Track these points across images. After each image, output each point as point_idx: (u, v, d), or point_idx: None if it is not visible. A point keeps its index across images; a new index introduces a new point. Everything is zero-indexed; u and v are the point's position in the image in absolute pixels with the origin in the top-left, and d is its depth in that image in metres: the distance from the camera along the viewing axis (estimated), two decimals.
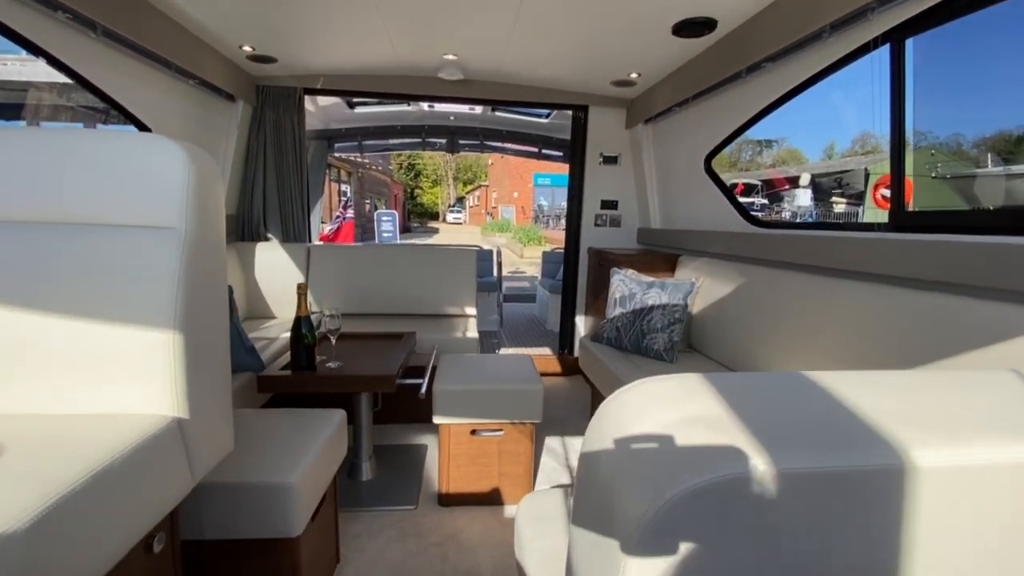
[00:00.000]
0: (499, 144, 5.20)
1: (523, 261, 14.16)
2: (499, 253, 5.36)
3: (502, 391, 1.93)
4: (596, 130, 3.47)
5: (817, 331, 1.72)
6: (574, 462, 2.39)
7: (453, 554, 1.72)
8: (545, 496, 1.15)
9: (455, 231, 34.77)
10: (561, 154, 5.20)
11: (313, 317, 1.91)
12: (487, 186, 39.40)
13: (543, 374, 3.78)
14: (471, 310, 3.27)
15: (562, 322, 3.79)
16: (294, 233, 3.26)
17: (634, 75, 2.91)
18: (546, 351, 4.09)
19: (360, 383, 1.85)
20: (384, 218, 16.12)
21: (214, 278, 1.05)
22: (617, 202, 3.57)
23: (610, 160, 3.50)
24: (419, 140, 5.16)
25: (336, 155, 5.44)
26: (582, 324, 3.70)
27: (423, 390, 1.91)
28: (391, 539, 1.79)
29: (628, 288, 2.59)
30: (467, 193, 50.98)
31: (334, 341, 1.99)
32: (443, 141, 5.18)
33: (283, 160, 3.15)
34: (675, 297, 2.44)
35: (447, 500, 2.00)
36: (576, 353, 3.74)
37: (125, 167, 0.92)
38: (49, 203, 0.90)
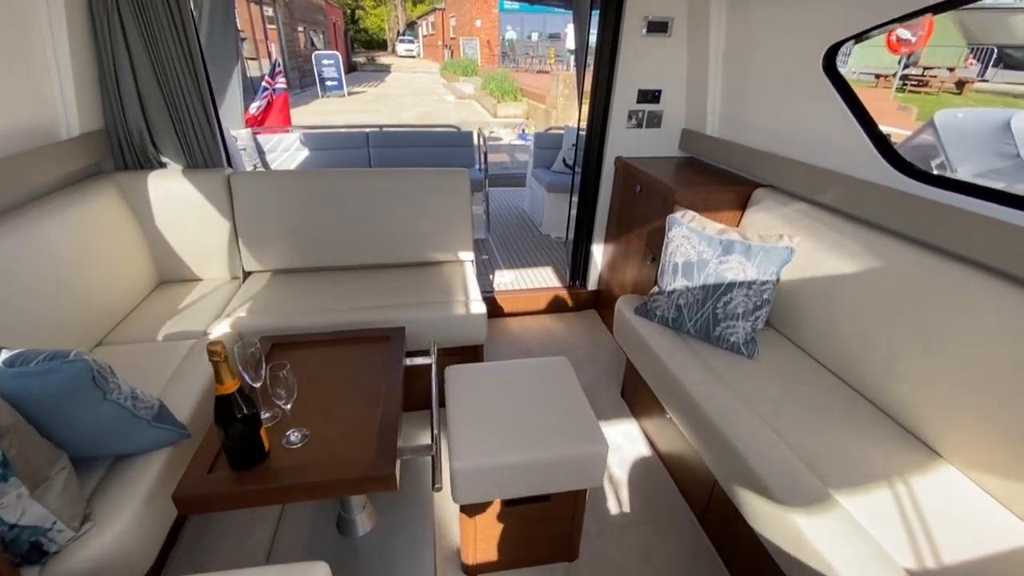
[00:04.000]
0: None
1: (497, 122, 12.08)
2: (483, 138, 4.28)
3: (551, 461, 1.34)
4: None
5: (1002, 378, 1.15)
6: (624, 491, 1.95)
7: None
8: None
9: (410, 68, 30.49)
10: (563, 1, 3.84)
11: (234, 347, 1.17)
12: (443, 9, 33.58)
13: (548, 311, 3.22)
14: (467, 255, 2.50)
15: (575, 247, 3.07)
16: (201, 153, 2.22)
17: None
18: (548, 273, 3.44)
19: (343, 486, 1.20)
20: (325, 62, 13.25)
21: None
22: (660, 93, 2.58)
23: (657, 28, 2.42)
24: None
25: None
26: (600, 255, 3.01)
27: (436, 482, 1.29)
28: None
29: (696, 250, 1.87)
30: (419, 18, 43.79)
31: (288, 413, 1.28)
32: None
33: (154, 32, 1.96)
34: (766, 270, 1.76)
35: (473, 570, 1.55)
36: (591, 285, 3.12)
37: None
38: None
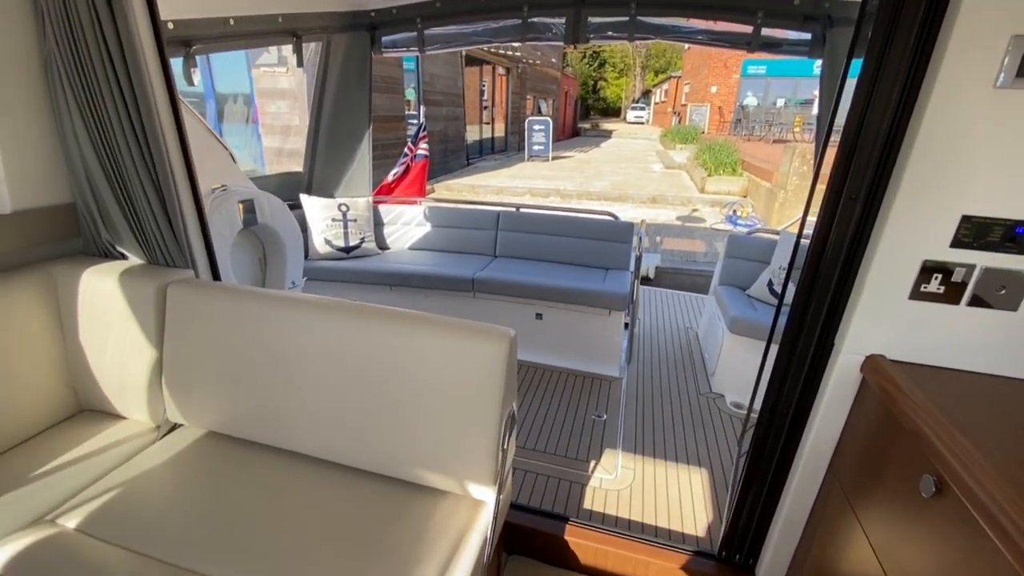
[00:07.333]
0: (663, 22, 2.60)
1: (703, 198, 10.24)
2: (640, 235, 3.01)
3: None
4: None
5: None
6: None
7: None
8: None
9: (631, 134, 30.50)
10: (809, 36, 2.41)
11: None
12: (678, 77, 32.98)
13: None
14: (483, 491, 1.29)
15: (741, 495, 1.54)
16: (160, 251, 1.58)
17: None
18: (697, 492, 1.92)
19: None
20: (536, 127, 13.62)
21: None
22: None
23: None
24: (518, 22, 2.86)
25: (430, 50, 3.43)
26: (796, 528, 1.42)
27: None
28: None
29: None
30: (655, 86, 44.24)
31: None
32: (559, 22, 2.79)
33: (96, 101, 1.38)
34: None
35: None
36: (765, 573, 1.52)
37: None
38: None
